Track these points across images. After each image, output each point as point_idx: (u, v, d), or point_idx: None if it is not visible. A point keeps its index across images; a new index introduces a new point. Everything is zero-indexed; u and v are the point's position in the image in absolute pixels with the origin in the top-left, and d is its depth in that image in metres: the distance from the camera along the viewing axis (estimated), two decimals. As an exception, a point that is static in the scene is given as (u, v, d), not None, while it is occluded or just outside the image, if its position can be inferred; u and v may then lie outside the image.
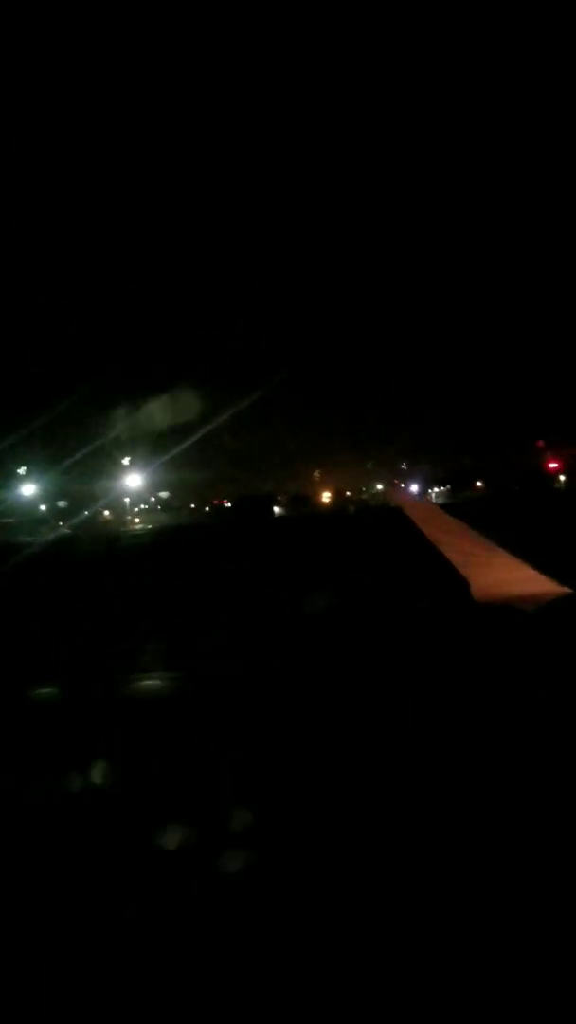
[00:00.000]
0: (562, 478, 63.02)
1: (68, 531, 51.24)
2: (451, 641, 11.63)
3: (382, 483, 68.80)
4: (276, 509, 65.00)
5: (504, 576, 11.26)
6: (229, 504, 64.76)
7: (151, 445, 53.97)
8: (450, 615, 11.73)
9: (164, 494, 67.33)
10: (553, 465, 61.65)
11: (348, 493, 68.87)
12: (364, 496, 68.45)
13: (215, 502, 67.17)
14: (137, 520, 64.25)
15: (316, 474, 69.00)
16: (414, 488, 69.24)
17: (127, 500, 62.59)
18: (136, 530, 57.66)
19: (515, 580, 11.18)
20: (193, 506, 66.18)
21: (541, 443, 63.34)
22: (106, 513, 61.04)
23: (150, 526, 59.00)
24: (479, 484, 56.85)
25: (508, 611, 11.00)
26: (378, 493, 67.42)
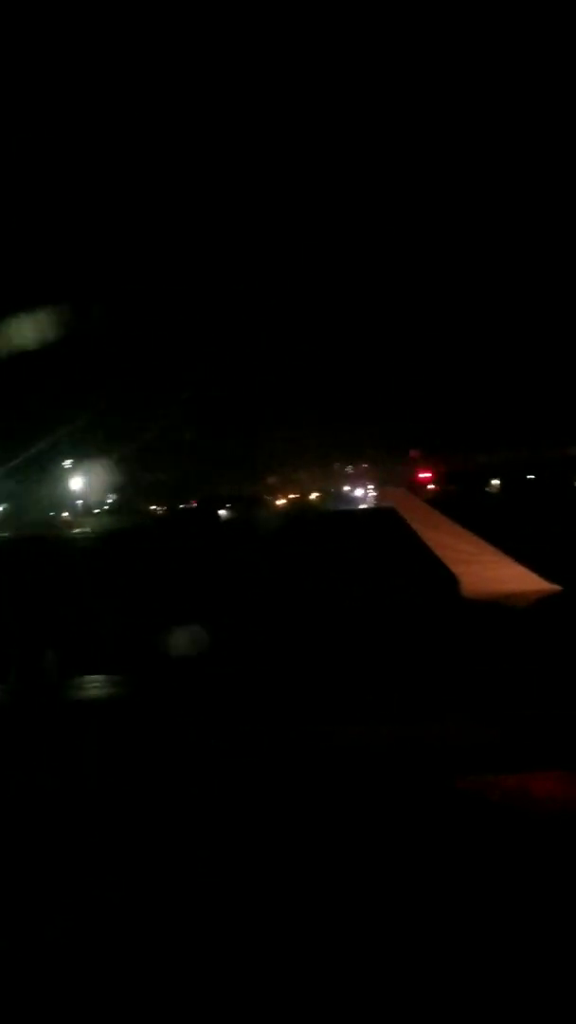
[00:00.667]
0: (495, 482, 63.54)
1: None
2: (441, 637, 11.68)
3: (348, 484, 69.12)
4: (222, 512, 64.40)
5: (494, 573, 11.44)
6: (196, 505, 64.38)
7: (101, 448, 53.45)
8: (439, 612, 11.87)
9: (113, 496, 66.57)
10: (425, 475, 61.81)
11: (315, 495, 68.63)
12: (328, 497, 68.27)
13: (185, 504, 66.78)
14: (82, 524, 63.47)
15: (271, 478, 68.78)
16: (359, 491, 70.15)
17: (79, 503, 61.81)
18: (76, 534, 56.84)
19: (505, 577, 11.37)
20: (154, 508, 65.47)
21: (415, 453, 63.93)
22: (64, 515, 60.24)
23: (89, 530, 58.11)
24: (431, 487, 57.40)
25: (497, 608, 11.19)
26: (343, 494, 67.56)
